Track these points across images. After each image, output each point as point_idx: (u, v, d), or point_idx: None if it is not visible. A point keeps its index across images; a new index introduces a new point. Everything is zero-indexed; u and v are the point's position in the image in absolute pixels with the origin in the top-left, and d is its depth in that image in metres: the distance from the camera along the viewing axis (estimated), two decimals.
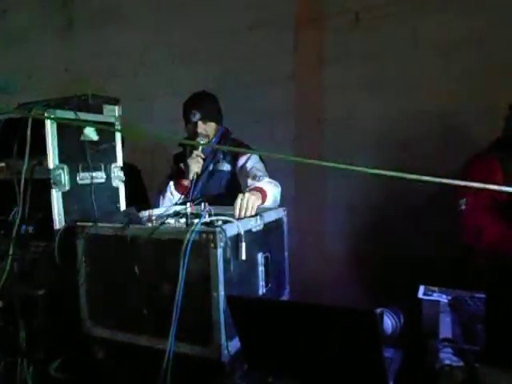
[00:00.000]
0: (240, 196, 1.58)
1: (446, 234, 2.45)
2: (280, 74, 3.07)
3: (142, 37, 3.58)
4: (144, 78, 3.58)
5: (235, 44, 3.18)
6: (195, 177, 2.07)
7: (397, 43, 2.77)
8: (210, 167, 2.16)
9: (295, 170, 3.11)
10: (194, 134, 2.14)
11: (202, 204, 1.46)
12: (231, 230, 1.28)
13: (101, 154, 1.85)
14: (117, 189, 1.93)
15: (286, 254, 1.72)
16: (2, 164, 1.79)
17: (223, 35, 3.22)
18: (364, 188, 2.86)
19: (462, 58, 2.60)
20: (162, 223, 1.41)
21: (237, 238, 1.31)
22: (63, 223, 1.66)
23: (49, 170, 1.65)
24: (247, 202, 1.54)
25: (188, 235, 1.21)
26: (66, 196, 1.69)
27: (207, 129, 2.14)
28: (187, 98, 2.22)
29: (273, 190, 1.87)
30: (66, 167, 1.68)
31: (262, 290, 1.47)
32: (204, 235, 1.22)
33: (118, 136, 1.93)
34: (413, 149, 2.78)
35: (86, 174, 1.77)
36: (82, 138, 1.77)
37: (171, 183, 2.12)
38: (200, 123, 2.12)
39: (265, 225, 1.52)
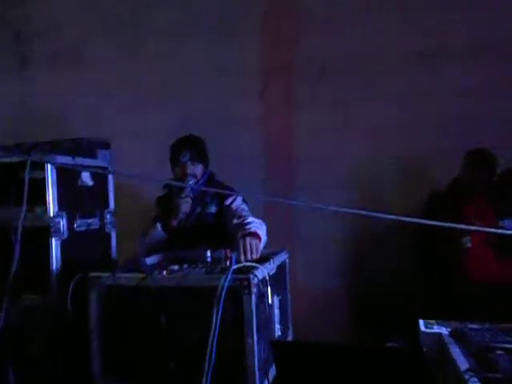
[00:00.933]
0: (241, 240, 1.60)
1: (409, 265, 2.70)
2: (248, 117, 3.18)
3: (103, 79, 3.54)
4: (106, 120, 3.50)
5: (201, 86, 3.26)
6: (183, 217, 2.07)
7: (358, 93, 3.02)
8: (198, 210, 2.17)
9: (265, 209, 3.20)
10: (182, 175, 2.15)
11: (223, 251, 1.46)
12: (259, 274, 1.31)
13: (94, 200, 1.80)
14: (109, 235, 1.88)
15: (289, 294, 1.77)
16: None
17: (189, 78, 3.29)
18: (333, 223, 3.01)
19: (413, 109, 2.92)
20: (190, 271, 1.40)
21: (262, 283, 1.34)
22: (59, 273, 1.58)
23: (48, 217, 1.58)
24: (251, 246, 1.58)
25: (222, 281, 1.23)
26: (63, 244, 1.62)
27: (195, 170, 2.17)
28: (174, 140, 2.24)
29: (263, 232, 1.93)
30: (64, 214, 1.62)
31: (277, 332, 1.50)
32: (238, 281, 1.24)
33: (111, 181, 1.90)
34: (375, 187, 3.01)
35: (83, 221, 1.72)
36: (79, 183, 1.72)
37: (158, 225, 2.09)
38: (189, 164, 2.14)
39: (277, 268, 1.56)
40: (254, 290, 1.24)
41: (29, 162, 1.56)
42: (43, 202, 1.62)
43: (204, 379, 1.22)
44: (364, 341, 2.15)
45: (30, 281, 1.58)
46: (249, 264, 1.34)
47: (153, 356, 1.32)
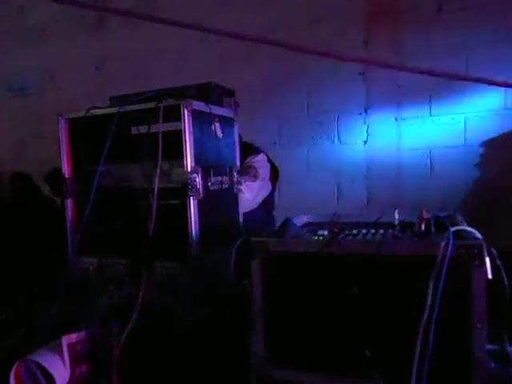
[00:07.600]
0: None
1: None
2: (349, 71, 2.83)
3: (183, 36, 3.26)
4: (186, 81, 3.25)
5: (298, 38, 2.93)
6: None
7: (482, 37, 2.59)
8: None
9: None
10: None
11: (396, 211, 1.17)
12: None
13: (225, 155, 1.55)
14: (236, 196, 1.64)
15: None
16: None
17: (284, 29, 2.96)
18: None
19: None
20: (385, 235, 1.13)
21: None
22: (199, 238, 1.35)
23: (185, 173, 1.34)
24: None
25: (442, 249, 0.94)
26: (200, 205, 1.38)
27: None
28: None
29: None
30: (200, 170, 1.38)
31: None
32: (463, 249, 0.96)
33: (236, 133, 1.64)
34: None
35: (216, 179, 1.47)
36: (211, 135, 1.47)
37: None
38: None
39: None
40: (487, 260, 0.95)
41: (162, 108, 1.32)
42: (168, 157, 1.38)
43: (414, 372, 0.96)
44: None
45: (162, 247, 1.36)
46: (466, 228, 1.04)
47: (338, 339, 1.07)
